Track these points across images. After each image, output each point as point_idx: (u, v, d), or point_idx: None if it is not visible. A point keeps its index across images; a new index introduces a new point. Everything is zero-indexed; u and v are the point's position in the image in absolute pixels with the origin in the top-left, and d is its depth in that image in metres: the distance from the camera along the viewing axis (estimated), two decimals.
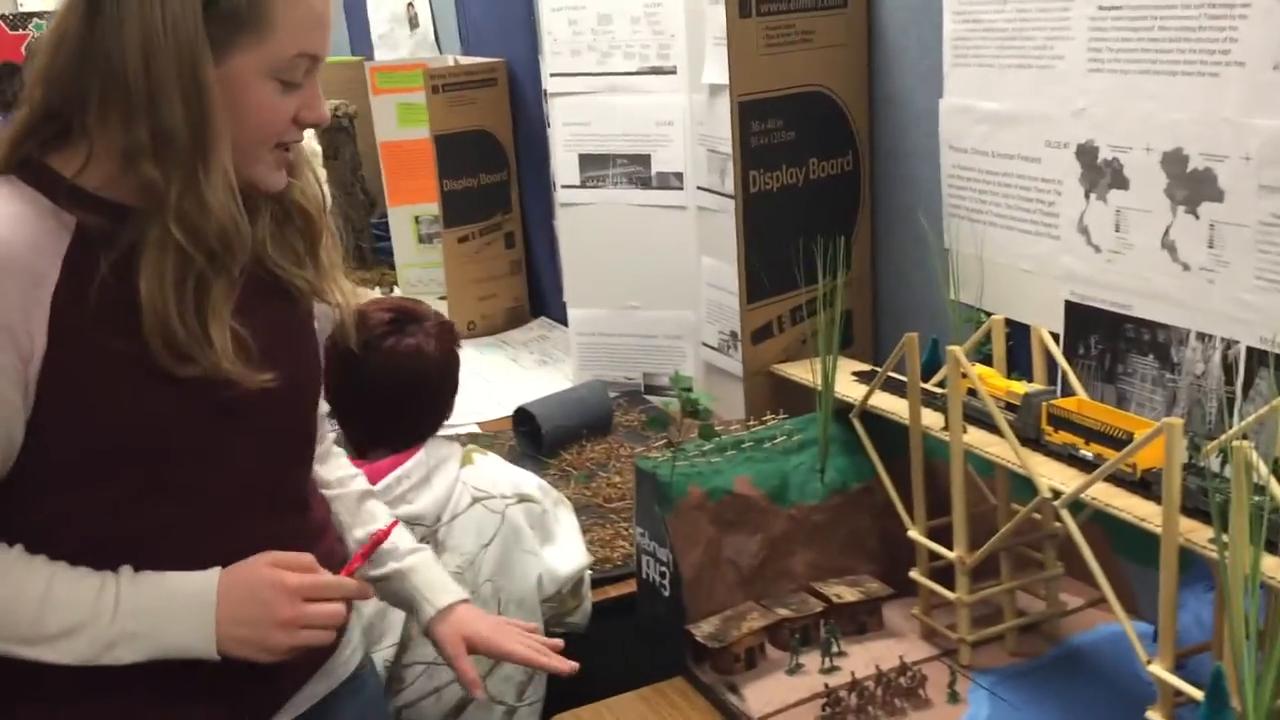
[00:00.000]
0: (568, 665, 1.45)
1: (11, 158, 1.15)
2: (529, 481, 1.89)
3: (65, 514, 1.17)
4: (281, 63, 1.15)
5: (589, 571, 1.92)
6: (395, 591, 1.48)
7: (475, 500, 1.77)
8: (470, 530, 1.75)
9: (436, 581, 1.48)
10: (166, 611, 1.17)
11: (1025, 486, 1.53)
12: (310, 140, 3.33)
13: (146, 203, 1.12)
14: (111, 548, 1.18)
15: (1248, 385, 1.52)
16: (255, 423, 1.23)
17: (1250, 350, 1.51)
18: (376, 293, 3.29)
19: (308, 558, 1.24)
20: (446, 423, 1.85)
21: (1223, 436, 1.34)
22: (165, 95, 1.09)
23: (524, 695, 1.80)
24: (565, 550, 1.86)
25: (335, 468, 1.49)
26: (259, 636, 1.18)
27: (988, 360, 1.74)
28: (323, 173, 3.22)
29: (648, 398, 2.71)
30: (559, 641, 1.49)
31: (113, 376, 1.13)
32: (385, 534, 1.40)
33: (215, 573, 1.19)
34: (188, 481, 1.20)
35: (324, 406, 1.44)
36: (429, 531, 1.70)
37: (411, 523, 1.63)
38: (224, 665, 1.21)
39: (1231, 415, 1.54)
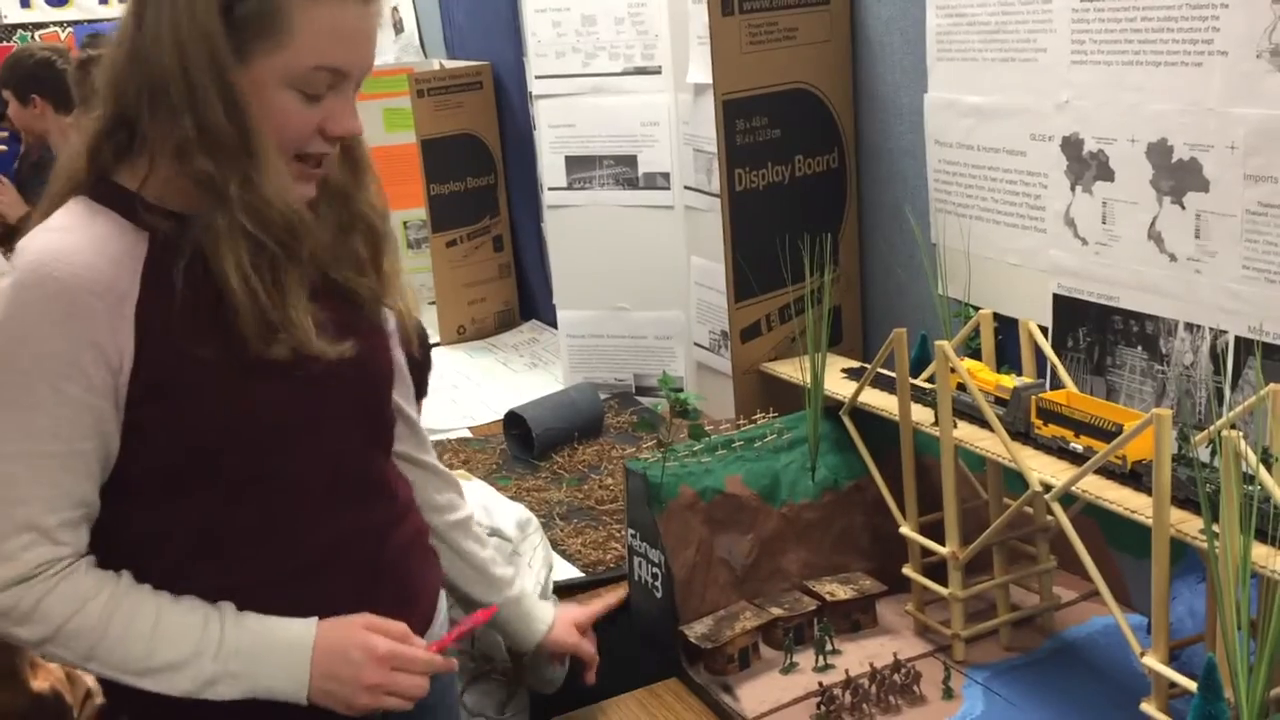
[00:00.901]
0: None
1: (89, 173, 1.19)
2: (508, 516, 1.79)
3: (164, 521, 1.21)
4: (298, 74, 1.15)
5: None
6: (500, 623, 1.56)
7: None
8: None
9: (535, 607, 1.60)
10: (266, 656, 1.21)
11: (1016, 480, 1.53)
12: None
13: (207, 199, 1.15)
14: (211, 549, 1.22)
15: (1236, 375, 1.52)
16: (337, 404, 1.27)
17: (1238, 340, 1.51)
18: None
19: (401, 627, 1.28)
20: (433, 429, 1.80)
21: (1212, 427, 1.34)
22: (201, 94, 1.12)
23: (504, 710, 1.77)
24: None
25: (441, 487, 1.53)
26: (346, 694, 1.23)
27: (976, 355, 1.74)
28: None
29: (639, 399, 2.71)
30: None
31: (200, 380, 1.17)
32: (485, 617, 1.44)
33: (314, 624, 1.24)
34: (279, 475, 1.24)
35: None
36: None
37: None
38: None
39: (1220, 405, 1.54)
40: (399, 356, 1.41)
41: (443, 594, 1.48)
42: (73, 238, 1.14)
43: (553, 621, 1.60)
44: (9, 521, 1.15)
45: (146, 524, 1.21)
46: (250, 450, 1.21)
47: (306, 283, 1.20)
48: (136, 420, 1.16)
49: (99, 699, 1.52)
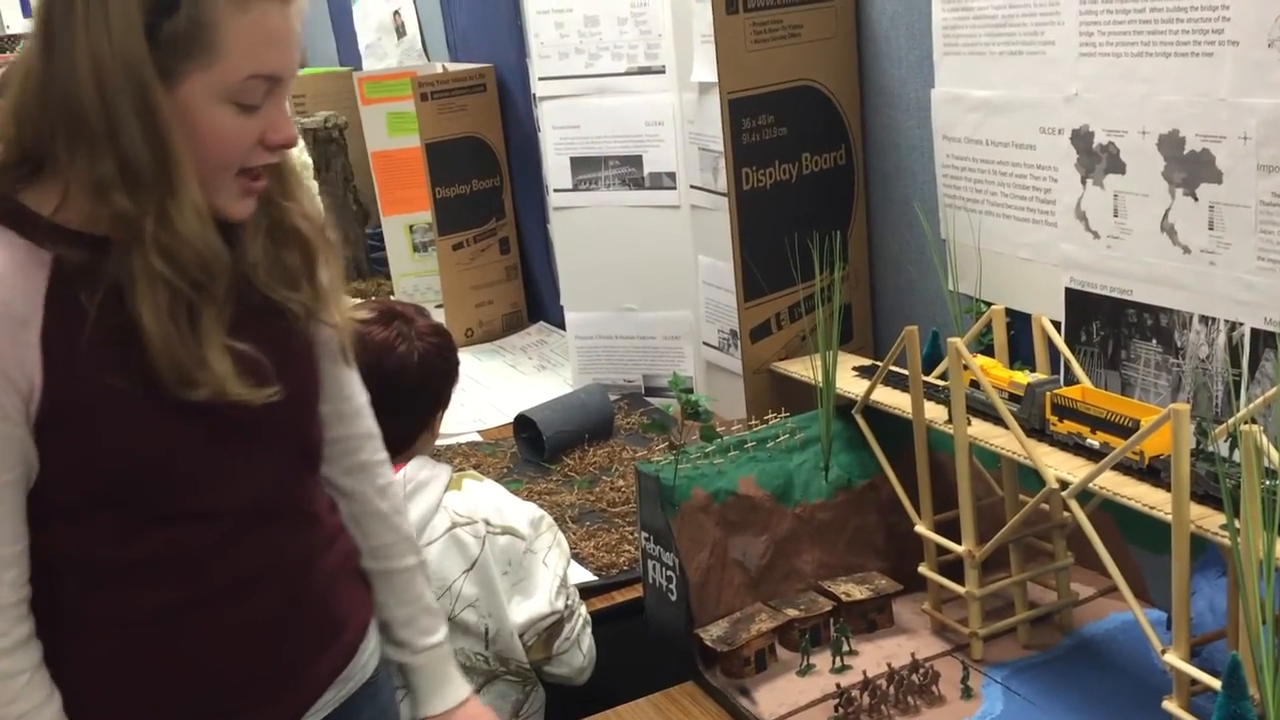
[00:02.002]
0: None
1: None
2: (520, 514, 1.77)
3: (71, 546, 1.17)
4: (234, 86, 1.11)
5: (584, 619, 1.81)
6: (417, 665, 1.47)
7: (454, 525, 1.70)
8: (447, 557, 1.68)
9: (452, 675, 1.49)
10: None
11: (1032, 477, 1.52)
12: (301, 153, 3.32)
13: (123, 235, 1.10)
14: (121, 576, 1.19)
15: (1253, 367, 1.51)
16: (260, 441, 1.23)
17: (1255, 332, 1.50)
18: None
19: None
20: (444, 433, 1.78)
21: (1230, 420, 1.33)
22: (123, 125, 1.07)
23: (521, 712, 1.77)
24: (533, 598, 1.75)
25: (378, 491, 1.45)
26: None
27: (989, 351, 1.72)
28: (314, 185, 3.21)
29: (648, 400, 2.70)
30: None
31: (114, 409, 1.12)
32: None
33: None
34: (196, 503, 1.20)
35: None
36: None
37: None
38: (247, 678, 1.24)
39: (1238, 398, 1.52)
40: (338, 372, 1.36)
41: (373, 627, 1.42)
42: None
43: (463, 701, 1.47)
44: None
45: (54, 548, 1.16)
46: (163, 484, 1.17)
47: (225, 320, 1.15)
48: (44, 446, 1.11)
49: None
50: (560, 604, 1.76)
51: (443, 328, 1.86)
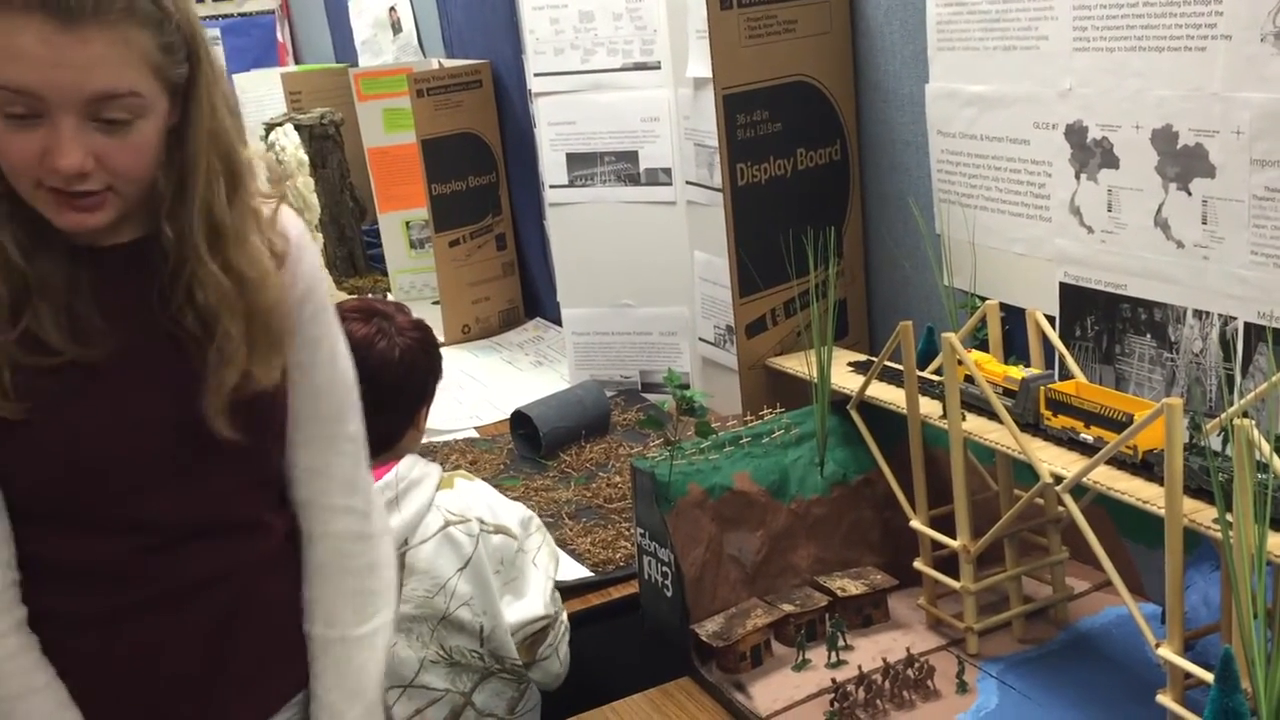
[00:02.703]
0: None
1: None
2: (511, 514, 1.78)
3: (24, 543, 1.17)
4: None
5: (565, 627, 1.80)
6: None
7: (447, 524, 1.70)
8: (441, 556, 1.68)
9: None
10: None
11: (1026, 472, 1.52)
12: (298, 150, 3.32)
13: None
14: (60, 574, 1.18)
15: (1247, 362, 1.51)
16: (163, 467, 1.20)
17: (1248, 326, 1.50)
18: None
19: None
20: (440, 430, 1.78)
21: (1223, 415, 1.33)
22: None
23: (516, 709, 1.77)
24: (525, 598, 1.75)
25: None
26: None
27: (983, 346, 1.72)
28: (310, 182, 3.21)
29: (645, 396, 2.70)
30: None
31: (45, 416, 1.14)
32: None
33: None
34: (115, 516, 1.19)
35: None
36: (396, 554, 1.65)
37: None
38: (184, 690, 1.23)
39: (1231, 393, 1.52)
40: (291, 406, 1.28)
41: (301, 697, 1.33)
42: None
43: None
44: None
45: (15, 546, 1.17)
46: (81, 497, 1.17)
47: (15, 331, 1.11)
48: None
49: None
50: (553, 608, 1.76)
51: (423, 323, 1.86)
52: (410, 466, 1.71)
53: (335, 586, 1.32)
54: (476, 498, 1.76)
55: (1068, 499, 1.43)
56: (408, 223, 3.58)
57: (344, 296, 2.52)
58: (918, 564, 1.71)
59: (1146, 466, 1.37)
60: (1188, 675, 1.30)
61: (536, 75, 2.67)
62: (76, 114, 1.07)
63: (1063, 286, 1.77)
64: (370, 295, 3.37)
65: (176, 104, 1.14)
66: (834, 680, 1.55)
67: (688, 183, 2.48)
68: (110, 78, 1.07)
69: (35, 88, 1.05)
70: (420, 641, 1.67)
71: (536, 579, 1.76)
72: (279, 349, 1.22)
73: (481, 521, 1.72)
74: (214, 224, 1.16)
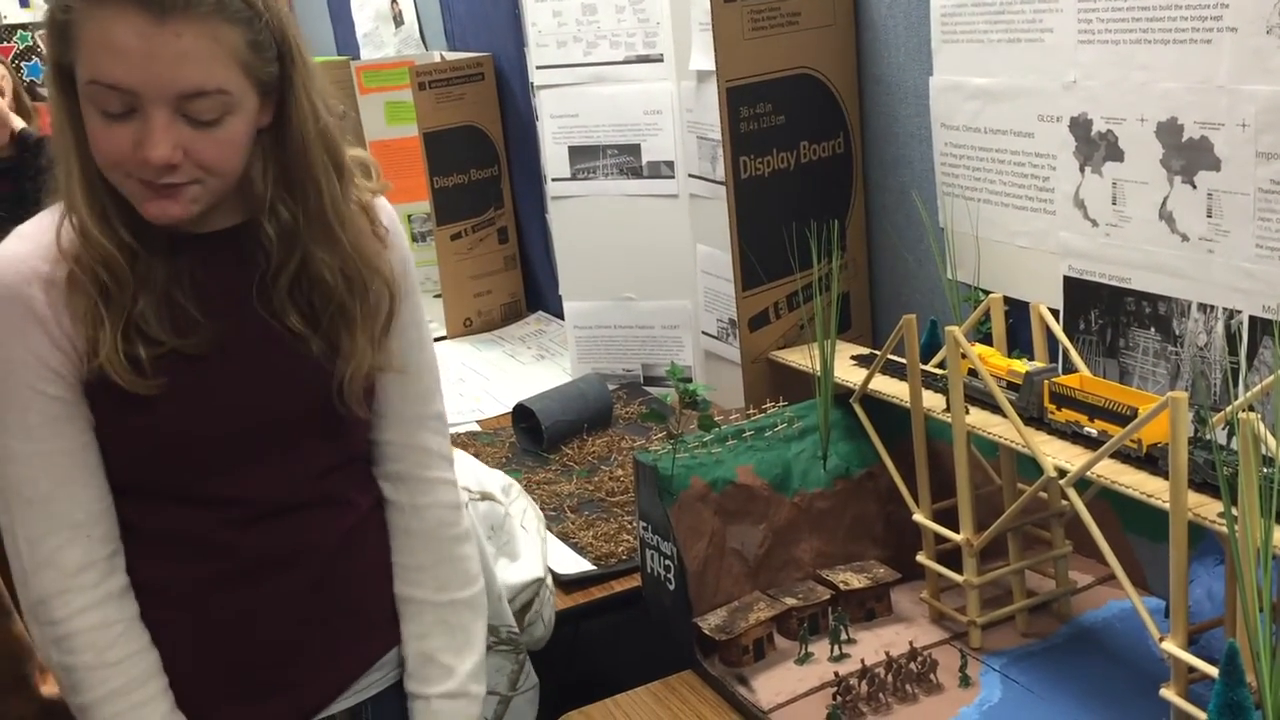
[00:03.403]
0: None
1: None
2: (493, 481, 1.84)
3: (123, 514, 1.23)
4: (83, 88, 1.12)
5: (550, 591, 1.84)
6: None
7: None
8: None
9: None
10: None
11: (1030, 465, 1.52)
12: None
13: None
14: (148, 544, 1.24)
15: (1251, 355, 1.50)
16: (278, 443, 1.26)
17: (1253, 320, 1.49)
18: None
19: None
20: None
21: (1228, 409, 1.33)
22: (54, 114, 1.14)
23: (517, 684, 1.78)
24: (520, 559, 1.80)
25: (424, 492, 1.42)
26: None
27: (987, 339, 1.72)
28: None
29: (647, 389, 2.70)
30: None
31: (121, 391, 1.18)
32: None
33: None
34: (207, 492, 1.24)
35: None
36: None
37: None
38: (271, 660, 1.29)
39: (1236, 386, 1.52)
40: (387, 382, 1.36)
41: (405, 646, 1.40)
42: (26, 244, 1.16)
43: None
44: (44, 521, 1.17)
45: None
46: (174, 472, 1.23)
47: (121, 320, 1.16)
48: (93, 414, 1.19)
49: None
50: (544, 570, 1.82)
51: None
52: None
53: (441, 553, 1.40)
54: (462, 468, 1.79)
55: (1071, 493, 1.42)
56: (410, 216, 3.57)
57: None
58: (921, 558, 1.70)
59: (1151, 460, 1.37)
60: (1192, 669, 1.30)
61: (538, 68, 2.66)
62: (167, 107, 1.10)
63: (1067, 280, 1.77)
64: None
65: (269, 102, 1.18)
66: (836, 674, 1.55)
67: (690, 175, 2.47)
68: (200, 73, 1.10)
69: (130, 83, 1.09)
70: None
71: (528, 541, 1.81)
72: (390, 327, 1.30)
73: (468, 490, 1.76)
74: (328, 216, 1.22)
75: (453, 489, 1.43)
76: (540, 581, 1.80)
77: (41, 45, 4.06)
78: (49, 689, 1.47)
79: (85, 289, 1.15)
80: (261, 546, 1.26)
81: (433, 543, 1.40)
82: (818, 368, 1.81)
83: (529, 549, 1.81)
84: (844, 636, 1.65)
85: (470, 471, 1.81)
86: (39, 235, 1.17)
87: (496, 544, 1.77)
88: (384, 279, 1.29)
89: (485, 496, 1.79)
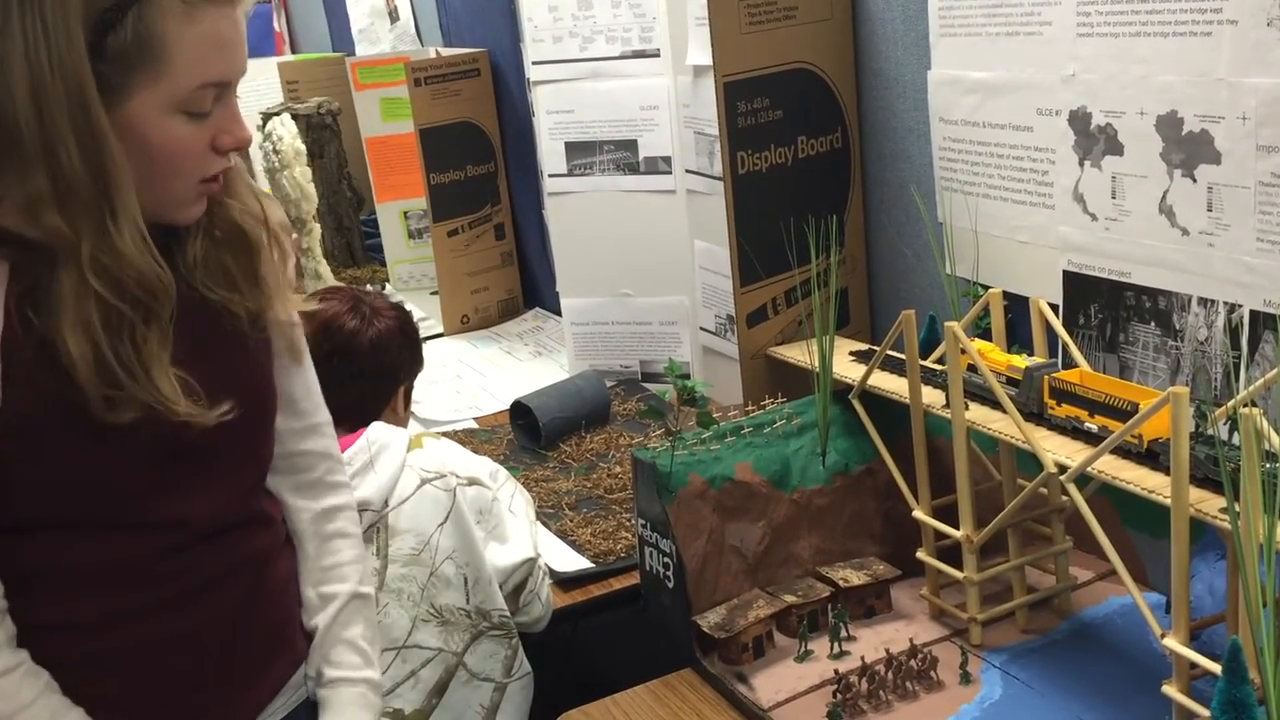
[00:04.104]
0: None
1: None
2: (480, 466, 1.84)
3: (27, 553, 1.15)
4: (183, 96, 1.10)
5: (544, 571, 1.85)
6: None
7: (423, 482, 1.73)
8: (422, 512, 1.71)
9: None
10: None
11: (1030, 461, 1.51)
12: (295, 140, 3.30)
13: (54, 251, 1.08)
14: (71, 581, 1.17)
15: (1253, 349, 1.50)
16: (210, 456, 1.21)
17: (1254, 314, 1.49)
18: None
19: None
20: (440, 420, 1.82)
21: (1230, 403, 1.32)
22: (61, 142, 1.04)
23: (512, 670, 1.78)
24: (509, 542, 1.80)
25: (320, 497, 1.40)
26: None
27: (986, 334, 1.71)
28: (308, 171, 3.19)
29: (645, 385, 2.69)
30: None
31: (63, 422, 1.10)
32: None
33: None
34: (146, 516, 1.19)
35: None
36: (377, 516, 1.68)
37: (359, 508, 1.57)
38: (198, 684, 1.24)
39: (1237, 381, 1.51)
40: (289, 382, 1.34)
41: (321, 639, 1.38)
42: None
43: None
44: None
45: (21, 547, 1.15)
46: (107, 501, 1.16)
47: (168, 343, 1.12)
48: (3, 458, 1.10)
49: None
50: (535, 551, 1.82)
51: (402, 307, 1.94)
52: (379, 431, 1.76)
53: (360, 550, 1.41)
54: (447, 454, 1.81)
55: (1072, 488, 1.42)
56: (406, 213, 3.57)
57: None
58: (920, 554, 1.70)
59: (1151, 456, 1.36)
60: (1193, 665, 1.29)
61: (535, 63, 2.65)
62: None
63: (1066, 274, 1.76)
64: (368, 286, 3.37)
65: None
66: (836, 671, 1.55)
67: (688, 171, 2.47)
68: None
69: (232, 74, 1.13)
70: (411, 601, 1.69)
71: (516, 524, 1.81)
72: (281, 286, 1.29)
73: (456, 475, 1.76)
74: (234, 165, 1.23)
75: (350, 492, 1.44)
76: (532, 561, 1.80)
77: None
78: None
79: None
80: (195, 570, 1.22)
81: (339, 541, 1.39)
82: (816, 364, 1.80)
83: (518, 531, 1.80)
84: (844, 634, 1.64)
85: (455, 459, 1.81)
86: None
87: (485, 528, 1.77)
88: (276, 227, 1.29)
89: (472, 482, 1.78)
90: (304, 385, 1.37)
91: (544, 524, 2.06)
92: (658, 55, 2.49)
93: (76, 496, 1.14)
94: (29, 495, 1.12)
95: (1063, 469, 1.42)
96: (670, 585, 1.68)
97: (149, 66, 1.07)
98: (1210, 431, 1.35)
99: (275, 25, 5.24)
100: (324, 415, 1.40)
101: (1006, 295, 1.73)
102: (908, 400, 1.66)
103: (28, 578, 1.16)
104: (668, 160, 2.54)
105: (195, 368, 1.16)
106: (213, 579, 1.24)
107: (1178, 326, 1.61)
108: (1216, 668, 1.20)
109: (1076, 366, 1.57)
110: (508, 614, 1.76)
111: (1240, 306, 1.50)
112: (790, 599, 1.68)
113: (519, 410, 2.48)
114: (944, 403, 1.61)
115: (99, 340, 1.08)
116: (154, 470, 1.17)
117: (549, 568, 1.91)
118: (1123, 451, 1.39)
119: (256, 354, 1.28)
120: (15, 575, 1.15)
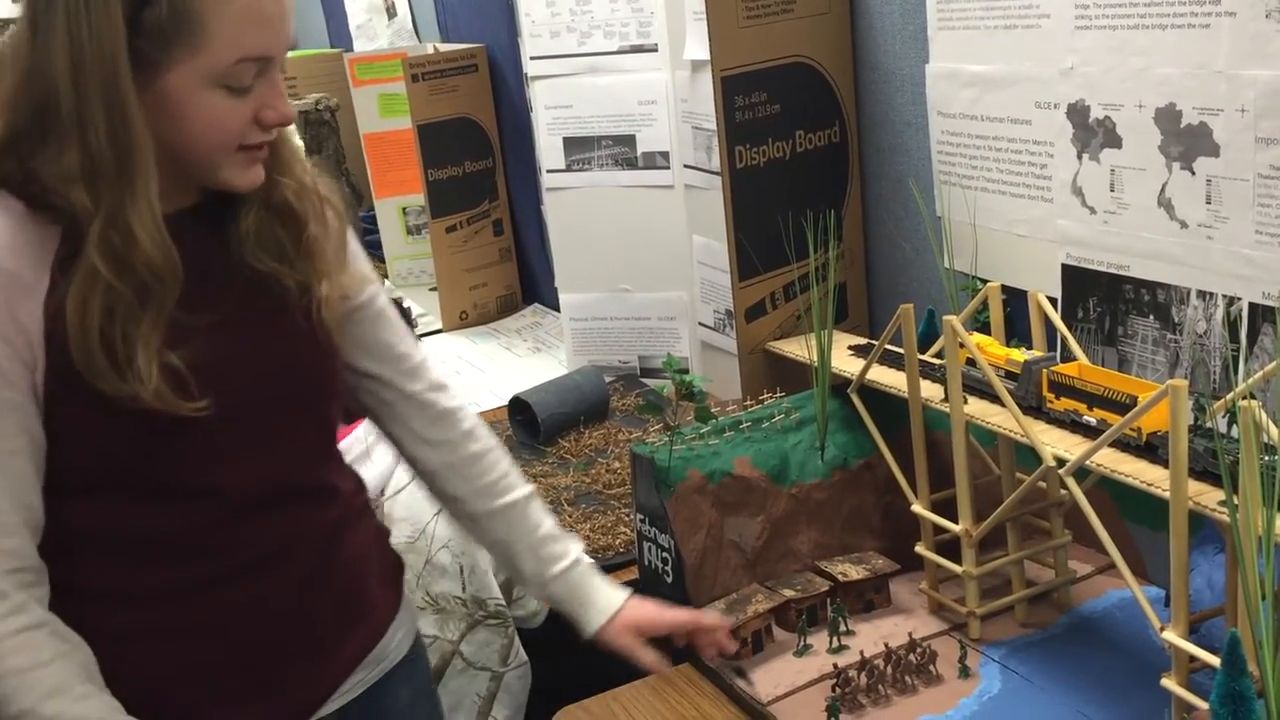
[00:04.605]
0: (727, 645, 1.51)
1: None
2: None
3: (90, 518, 1.17)
4: (221, 71, 1.10)
5: None
6: (556, 594, 1.47)
7: None
8: (417, 501, 1.72)
9: (587, 595, 1.46)
10: None
11: (1029, 455, 1.51)
12: (293, 135, 3.30)
13: (83, 224, 1.09)
14: (137, 548, 1.19)
15: (1251, 342, 1.50)
16: (232, 429, 1.20)
17: (1253, 307, 1.49)
18: None
19: None
20: None
21: (1229, 396, 1.32)
22: (91, 116, 1.06)
23: (508, 659, 1.78)
24: None
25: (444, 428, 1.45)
26: None
27: (985, 328, 1.71)
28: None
29: (644, 381, 2.69)
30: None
31: (78, 386, 1.11)
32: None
33: None
34: (204, 482, 1.19)
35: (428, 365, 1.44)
36: (374, 505, 1.69)
37: None
38: (266, 657, 1.25)
39: (1236, 374, 1.51)
40: (381, 333, 1.38)
41: (406, 607, 1.43)
42: None
43: (620, 607, 1.45)
44: None
45: (67, 522, 1.16)
46: (165, 463, 1.16)
47: (162, 325, 1.11)
48: (52, 420, 1.12)
49: None
50: None
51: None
52: (370, 428, 1.74)
53: (510, 458, 1.48)
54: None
55: (1070, 482, 1.42)
56: (404, 209, 3.56)
57: None
58: (919, 548, 1.70)
59: (1150, 449, 1.36)
60: (1193, 659, 1.29)
61: (532, 59, 2.65)
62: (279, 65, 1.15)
63: (1065, 268, 1.76)
64: None
65: None
66: (836, 665, 1.55)
67: (686, 166, 2.46)
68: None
69: (274, 48, 1.13)
70: (407, 589, 1.68)
71: None
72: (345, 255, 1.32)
73: None
74: (283, 143, 1.24)
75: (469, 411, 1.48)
76: None
77: None
78: None
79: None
80: (249, 543, 1.23)
81: (494, 454, 1.45)
82: (815, 358, 1.80)
83: None
84: (843, 628, 1.64)
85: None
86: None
87: None
88: (334, 204, 1.31)
89: None
90: (397, 335, 1.40)
91: None
92: (655, 50, 2.49)
93: (102, 461, 1.15)
94: (71, 453, 1.14)
95: (1061, 462, 1.42)
96: (669, 580, 1.68)
97: (186, 41, 1.08)
98: (1209, 424, 1.35)
99: None
100: (422, 354, 1.45)
101: (1005, 289, 1.73)
102: (906, 394, 1.66)
103: (77, 544, 1.18)
104: (666, 155, 2.53)
105: (226, 339, 1.17)
106: (273, 553, 1.25)
107: (1176, 319, 1.60)
108: (1215, 661, 1.19)
109: (1075, 360, 1.56)
110: (503, 603, 1.76)
111: (1239, 299, 1.50)
112: (789, 594, 1.68)
113: (517, 406, 2.48)
114: (943, 397, 1.60)
115: (90, 315, 1.08)
116: (164, 442, 1.16)
117: None
118: (1121, 445, 1.38)
119: (307, 329, 1.27)
120: (73, 540, 1.17)
